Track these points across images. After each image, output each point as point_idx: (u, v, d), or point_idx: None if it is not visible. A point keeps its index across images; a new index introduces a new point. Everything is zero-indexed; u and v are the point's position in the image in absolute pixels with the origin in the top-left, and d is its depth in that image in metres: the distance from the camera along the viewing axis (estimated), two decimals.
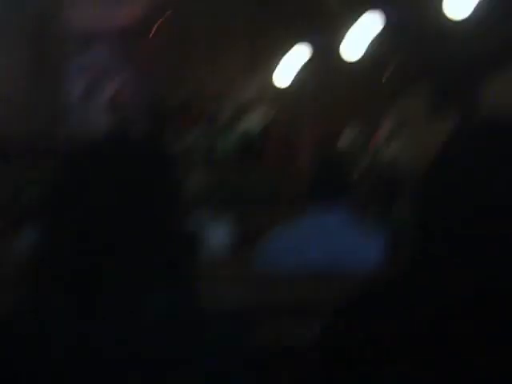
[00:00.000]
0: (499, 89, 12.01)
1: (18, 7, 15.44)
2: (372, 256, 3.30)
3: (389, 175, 5.76)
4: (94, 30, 16.28)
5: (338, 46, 12.56)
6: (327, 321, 1.38)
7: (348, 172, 3.58)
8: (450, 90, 12.96)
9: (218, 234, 4.41)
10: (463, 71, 12.63)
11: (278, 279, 3.06)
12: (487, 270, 1.15)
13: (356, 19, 12.34)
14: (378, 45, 12.84)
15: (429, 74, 13.50)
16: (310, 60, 15.66)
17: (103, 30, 16.32)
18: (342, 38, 12.49)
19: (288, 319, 2.78)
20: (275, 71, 14.75)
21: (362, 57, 12.57)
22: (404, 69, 13.90)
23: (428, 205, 1.22)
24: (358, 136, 14.88)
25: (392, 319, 1.24)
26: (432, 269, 1.20)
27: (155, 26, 16.61)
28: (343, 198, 3.36)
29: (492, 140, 1.21)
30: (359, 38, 12.39)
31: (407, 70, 13.87)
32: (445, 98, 12.98)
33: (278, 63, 14.64)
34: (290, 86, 15.18)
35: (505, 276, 1.14)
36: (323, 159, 3.59)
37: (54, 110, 15.64)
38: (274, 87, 15.89)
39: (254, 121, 15.25)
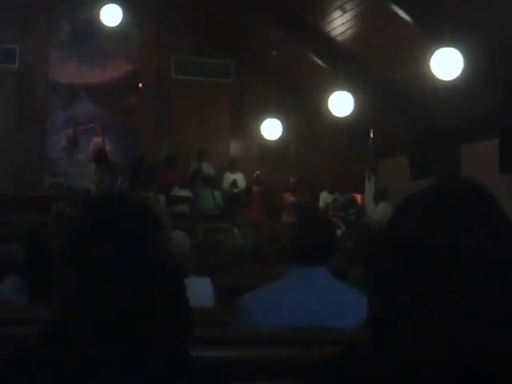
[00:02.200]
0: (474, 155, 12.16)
1: (6, 62, 15.60)
2: (354, 316, 3.27)
3: (371, 237, 5.78)
4: (79, 84, 16.42)
5: (326, 103, 12.68)
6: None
7: (330, 232, 3.57)
8: (430, 155, 13.06)
9: (199, 291, 4.38)
10: (443, 137, 12.76)
11: (259, 340, 3.03)
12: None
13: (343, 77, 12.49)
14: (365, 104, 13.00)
15: (412, 138, 13.63)
16: (296, 116, 15.79)
17: (88, 85, 16.46)
18: (330, 94, 12.63)
19: (271, 381, 2.75)
20: (260, 129, 14.85)
21: (349, 115, 12.71)
22: (389, 131, 14.03)
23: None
24: (340, 197, 14.95)
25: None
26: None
27: (140, 83, 16.74)
28: (325, 258, 3.35)
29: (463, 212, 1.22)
30: (346, 96, 12.52)
31: (392, 132, 14.01)
32: (425, 162, 13.07)
33: (263, 120, 14.75)
34: (275, 143, 15.29)
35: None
36: (306, 219, 3.58)
37: (40, 161, 15.67)
38: (259, 144, 16.00)
39: (237, 178, 15.31)
